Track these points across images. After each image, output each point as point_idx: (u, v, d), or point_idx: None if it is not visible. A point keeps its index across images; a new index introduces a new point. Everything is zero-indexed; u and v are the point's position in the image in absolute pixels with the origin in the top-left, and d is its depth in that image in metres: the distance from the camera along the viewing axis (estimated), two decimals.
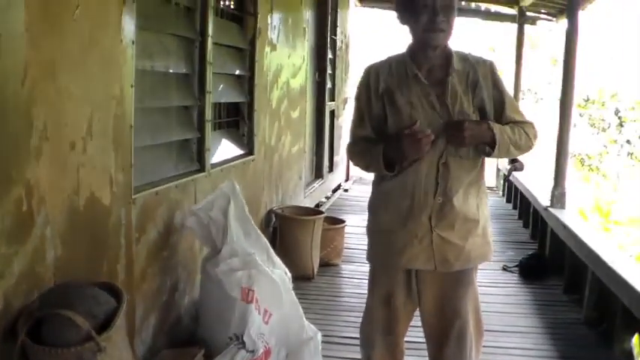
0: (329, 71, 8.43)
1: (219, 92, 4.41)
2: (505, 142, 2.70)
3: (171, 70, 3.82)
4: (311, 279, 5.42)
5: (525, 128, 2.79)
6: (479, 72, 2.73)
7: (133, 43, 3.13)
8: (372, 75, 2.80)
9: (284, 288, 3.42)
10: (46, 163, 2.52)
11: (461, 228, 2.74)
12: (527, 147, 2.83)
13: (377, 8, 11.13)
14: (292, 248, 5.37)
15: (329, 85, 8.50)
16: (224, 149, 4.67)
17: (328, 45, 8.27)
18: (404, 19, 2.72)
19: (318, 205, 8.13)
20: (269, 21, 5.39)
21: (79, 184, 2.75)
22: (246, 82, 5.02)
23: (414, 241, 2.74)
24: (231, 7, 5.01)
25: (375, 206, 2.90)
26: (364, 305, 3.01)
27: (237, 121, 5.08)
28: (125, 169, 3.13)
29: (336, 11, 8.69)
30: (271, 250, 3.67)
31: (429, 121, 2.67)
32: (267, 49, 5.39)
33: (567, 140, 5.94)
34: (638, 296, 3.72)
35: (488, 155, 2.74)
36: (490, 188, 10.77)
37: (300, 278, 5.29)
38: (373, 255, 2.93)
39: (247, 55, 5.00)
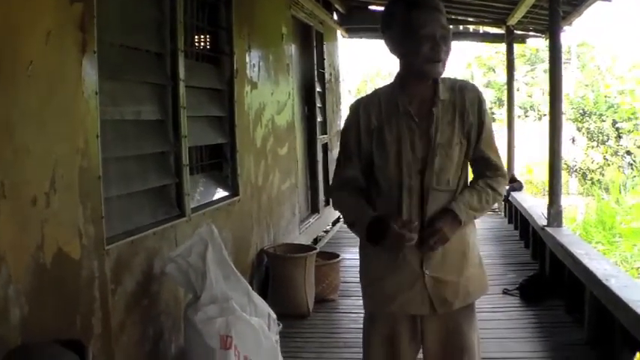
0: (318, 105, 8.42)
1: (196, 135, 4.38)
2: (471, 217, 2.64)
3: (143, 118, 3.80)
4: (306, 316, 5.34)
5: (493, 182, 2.68)
6: (466, 98, 2.63)
7: (96, 93, 3.10)
8: (362, 111, 2.67)
9: (263, 334, 3.34)
10: (5, 222, 2.48)
11: (452, 262, 2.64)
12: (494, 203, 2.78)
13: (365, 38, 11.18)
14: (285, 287, 5.31)
15: (319, 118, 8.49)
16: (206, 192, 4.63)
17: (316, 78, 8.27)
18: (400, 49, 2.61)
19: (316, 240, 8.08)
20: (247, 60, 5.38)
21: (44, 239, 2.71)
22: (227, 123, 4.99)
23: (404, 287, 2.63)
24: (207, 48, 5.01)
25: (364, 253, 2.78)
26: (361, 342, 2.88)
27: (221, 162, 5.04)
28: (95, 221, 3.08)
29: (322, 44, 8.71)
30: (252, 293, 3.60)
31: (409, 162, 2.58)
32: (247, 88, 5.37)
33: (559, 158, 5.90)
34: (635, 315, 3.62)
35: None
36: (492, 210, 10.69)
37: (295, 316, 5.23)
38: (367, 301, 2.80)
39: (226, 95, 4.97)
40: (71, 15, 2.93)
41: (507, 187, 8.69)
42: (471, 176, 2.76)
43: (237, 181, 5.07)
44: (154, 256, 3.65)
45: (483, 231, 8.82)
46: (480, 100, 2.68)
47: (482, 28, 10.53)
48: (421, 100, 2.64)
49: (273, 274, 5.42)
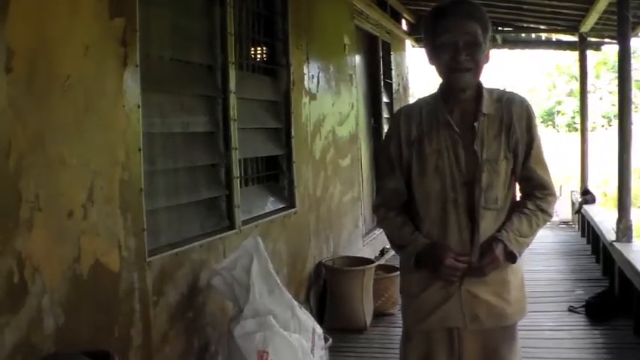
0: (385, 115, 8.33)
1: (248, 147, 4.37)
2: (523, 245, 2.53)
3: (192, 130, 3.81)
4: (363, 331, 5.27)
5: (542, 203, 2.56)
6: (513, 112, 2.52)
7: (138, 107, 3.13)
8: (403, 121, 2.59)
9: (302, 351, 3.29)
10: (39, 234, 2.52)
11: (492, 282, 2.53)
12: (544, 224, 2.64)
13: None
14: (342, 300, 5.26)
15: (386, 129, 8.39)
16: (260, 204, 4.62)
17: (382, 89, 8.19)
18: (429, 59, 2.55)
19: (382, 252, 7.98)
20: (305, 71, 5.37)
21: (81, 251, 2.74)
22: (283, 135, 4.98)
23: (442, 300, 2.55)
24: (263, 59, 5.01)
25: (405, 268, 2.68)
26: None
27: (277, 174, 5.04)
28: (137, 233, 3.11)
29: (390, 54, 8.63)
30: (297, 307, 3.56)
31: (452, 174, 2.50)
32: (305, 99, 5.36)
33: (629, 171, 5.66)
34: None
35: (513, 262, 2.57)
36: (566, 222, 10.38)
37: (352, 330, 5.18)
38: (405, 317, 2.73)
39: (282, 107, 4.97)
40: (111, 29, 2.96)
41: (580, 200, 8.43)
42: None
43: (293, 192, 5.05)
44: (201, 268, 3.66)
45: (555, 245, 8.58)
46: (528, 115, 2.56)
47: (555, 36, 10.29)
48: (463, 111, 2.54)
49: (330, 288, 5.37)
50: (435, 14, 2.52)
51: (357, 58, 7.20)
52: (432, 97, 2.63)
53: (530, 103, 2.65)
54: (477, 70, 2.47)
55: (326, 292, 5.41)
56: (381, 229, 2.84)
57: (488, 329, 2.57)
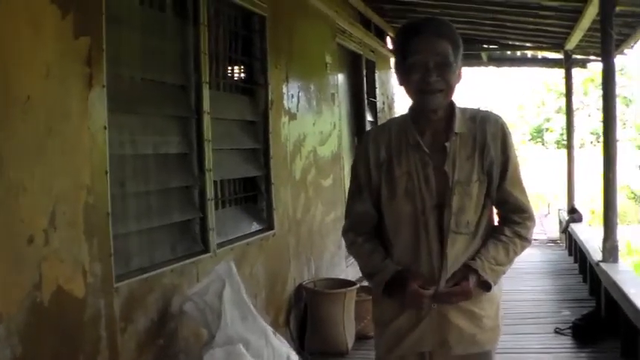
0: None
1: (224, 168, 4.28)
2: (499, 274, 2.44)
3: (165, 151, 3.72)
4: (345, 354, 5.16)
5: (521, 229, 2.47)
6: (488, 132, 2.43)
7: (105, 128, 3.03)
8: (371, 143, 2.51)
9: None
10: None
11: (468, 308, 2.44)
12: (523, 250, 2.53)
13: None
14: (323, 323, 5.15)
15: None
16: (236, 226, 4.52)
17: (366, 108, 8.11)
18: (398, 79, 2.47)
19: None
20: (284, 90, 5.29)
21: (42, 278, 2.63)
22: (261, 155, 4.89)
23: (417, 323, 2.46)
24: (241, 79, 4.93)
25: (377, 295, 2.58)
26: None
27: (256, 195, 4.94)
28: (103, 259, 3.00)
29: (374, 72, 8.57)
30: (271, 334, 3.46)
31: (422, 197, 2.40)
32: (284, 119, 5.27)
33: (614, 189, 5.59)
34: None
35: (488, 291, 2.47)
36: (553, 241, 10.31)
37: (334, 354, 5.08)
38: (379, 346, 2.61)
39: (260, 127, 4.88)
40: (75, 49, 2.87)
41: (567, 218, 8.36)
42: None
43: (272, 214, 4.95)
44: (173, 293, 3.55)
45: (542, 264, 8.50)
46: (503, 134, 2.46)
47: (541, 54, 10.29)
48: (434, 132, 2.45)
49: (311, 311, 5.26)
50: (404, 33, 2.44)
51: (340, 77, 7.13)
52: (403, 117, 2.55)
53: (505, 121, 2.56)
54: (448, 90, 2.38)
55: (307, 316, 5.31)
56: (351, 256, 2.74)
57: (462, 355, 2.49)
